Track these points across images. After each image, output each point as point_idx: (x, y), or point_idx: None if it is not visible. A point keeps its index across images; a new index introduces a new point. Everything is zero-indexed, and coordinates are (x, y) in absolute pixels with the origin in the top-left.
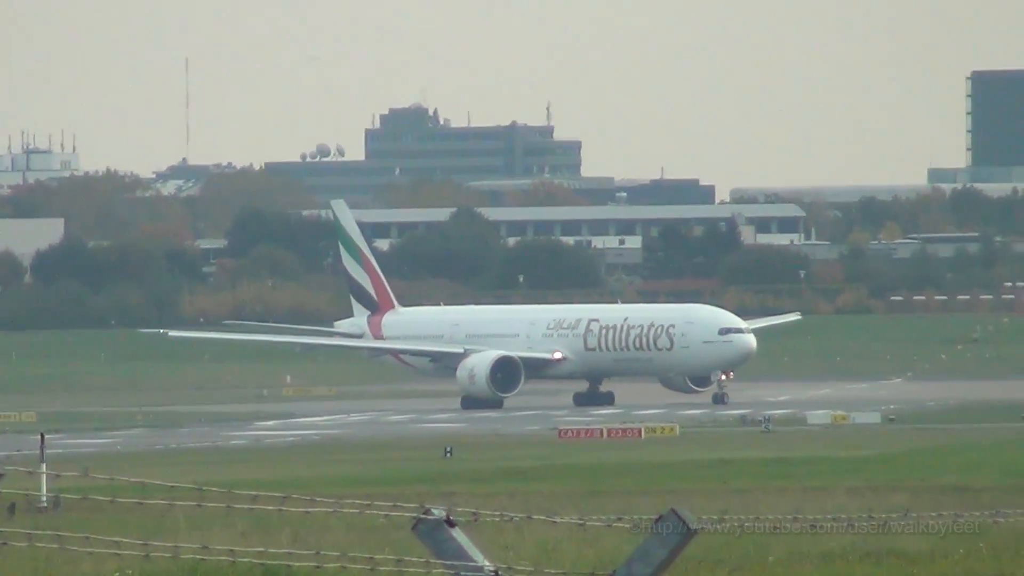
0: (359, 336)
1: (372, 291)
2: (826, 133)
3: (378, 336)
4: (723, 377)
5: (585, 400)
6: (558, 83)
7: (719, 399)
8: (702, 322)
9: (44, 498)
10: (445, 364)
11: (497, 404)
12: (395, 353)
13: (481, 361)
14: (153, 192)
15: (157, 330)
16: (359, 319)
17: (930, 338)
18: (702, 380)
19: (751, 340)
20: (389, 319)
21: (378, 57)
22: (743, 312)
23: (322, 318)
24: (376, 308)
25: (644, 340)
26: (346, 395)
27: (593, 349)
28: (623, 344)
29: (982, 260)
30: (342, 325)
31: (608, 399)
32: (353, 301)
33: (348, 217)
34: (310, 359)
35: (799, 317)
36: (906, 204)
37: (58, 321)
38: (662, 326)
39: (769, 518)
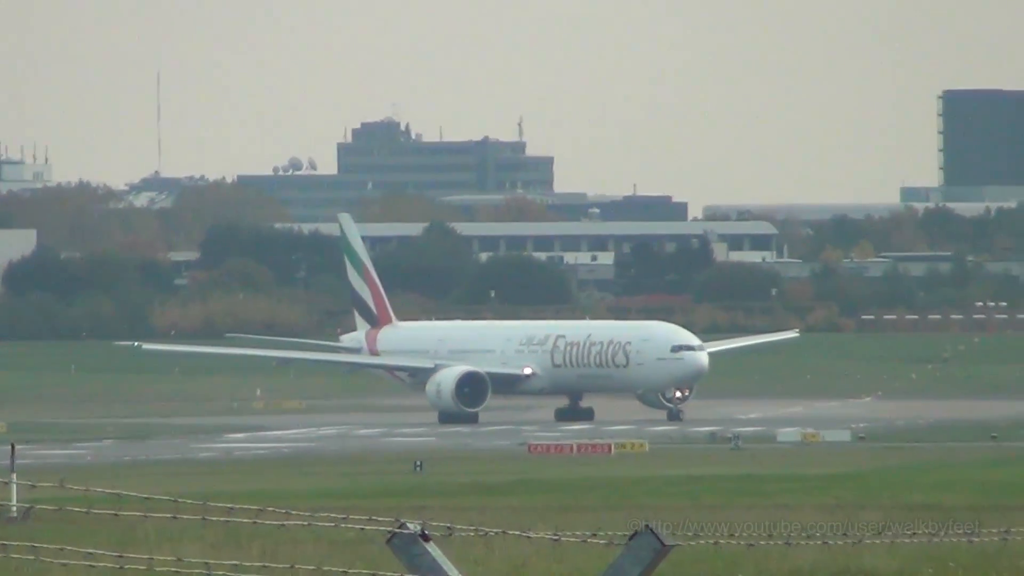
0: (358, 350)
1: (372, 305)
2: (799, 151)
3: (374, 350)
4: (677, 394)
5: (566, 415)
6: (530, 98)
7: (674, 415)
8: (656, 339)
9: (14, 508)
10: (420, 379)
11: (472, 419)
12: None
13: (447, 376)
14: (126, 204)
15: (131, 342)
16: (359, 333)
17: (901, 357)
18: None
19: (702, 358)
20: (385, 333)
21: (350, 71)
22: (714, 329)
23: (294, 331)
24: (376, 322)
25: (603, 357)
26: (317, 409)
27: (560, 365)
28: (585, 361)
29: (954, 279)
30: (346, 339)
31: (588, 415)
32: (356, 315)
33: (353, 230)
34: (283, 373)
35: (797, 334)
36: (878, 223)
37: (29, 332)
38: (619, 343)
39: (743, 535)
